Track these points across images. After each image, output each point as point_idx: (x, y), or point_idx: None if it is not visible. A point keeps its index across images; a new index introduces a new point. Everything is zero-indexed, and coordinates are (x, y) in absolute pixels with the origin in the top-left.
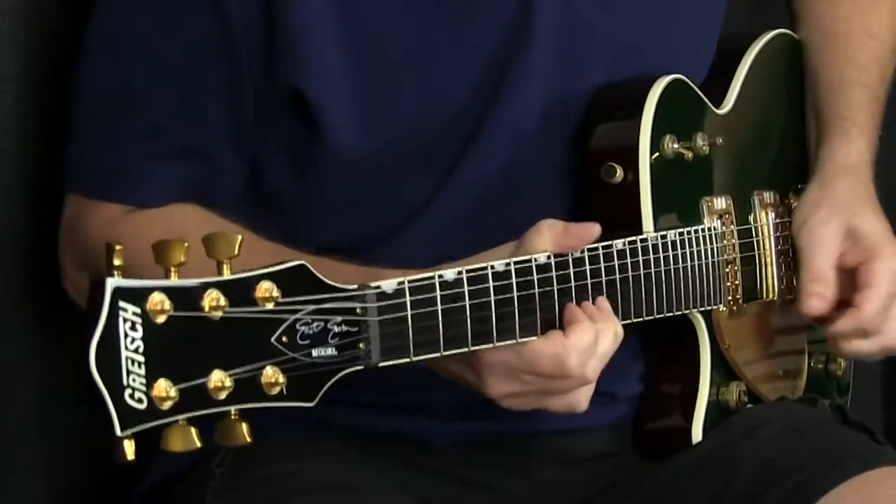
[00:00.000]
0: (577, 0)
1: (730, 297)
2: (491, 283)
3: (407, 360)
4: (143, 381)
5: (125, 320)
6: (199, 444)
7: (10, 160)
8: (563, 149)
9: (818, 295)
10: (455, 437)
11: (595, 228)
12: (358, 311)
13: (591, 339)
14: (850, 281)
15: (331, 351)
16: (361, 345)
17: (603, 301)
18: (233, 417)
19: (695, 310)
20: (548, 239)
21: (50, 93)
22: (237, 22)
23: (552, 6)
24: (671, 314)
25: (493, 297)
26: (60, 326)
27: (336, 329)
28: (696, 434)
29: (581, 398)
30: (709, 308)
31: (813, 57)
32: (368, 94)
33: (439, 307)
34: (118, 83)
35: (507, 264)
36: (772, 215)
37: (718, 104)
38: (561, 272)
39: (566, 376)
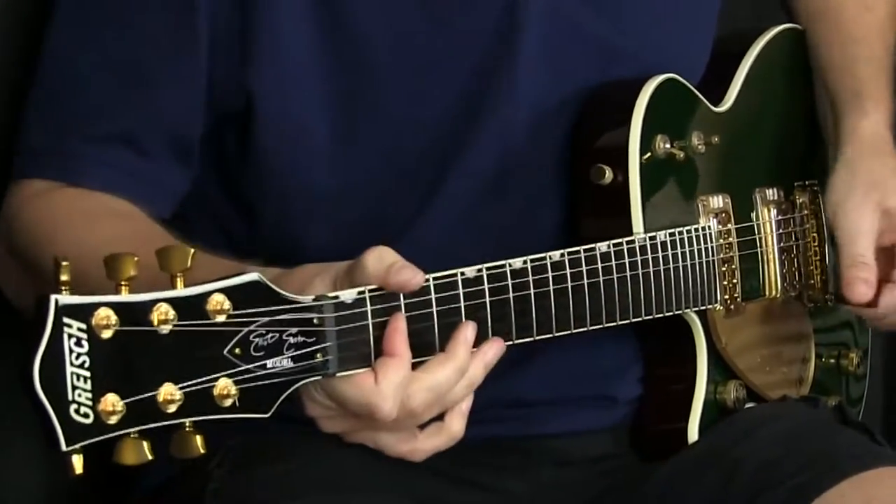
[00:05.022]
0: (564, 2)
1: (726, 297)
2: (461, 290)
3: (367, 368)
4: (90, 395)
5: (70, 336)
6: (150, 457)
7: (6, 160)
8: (553, 153)
9: (863, 281)
10: None
11: (418, 278)
12: (315, 321)
13: (404, 374)
14: (888, 260)
15: (287, 362)
16: (319, 355)
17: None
18: (187, 429)
19: (688, 310)
20: (368, 275)
21: None
22: (204, 18)
23: (539, 9)
24: (662, 315)
25: (462, 304)
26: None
27: (292, 340)
28: (693, 433)
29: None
30: (703, 308)
31: (813, 41)
32: (346, 104)
33: (403, 315)
34: (68, 67)
35: (479, 270)
36: (774, 212)
37: (718, 102)
38: (538, 276)
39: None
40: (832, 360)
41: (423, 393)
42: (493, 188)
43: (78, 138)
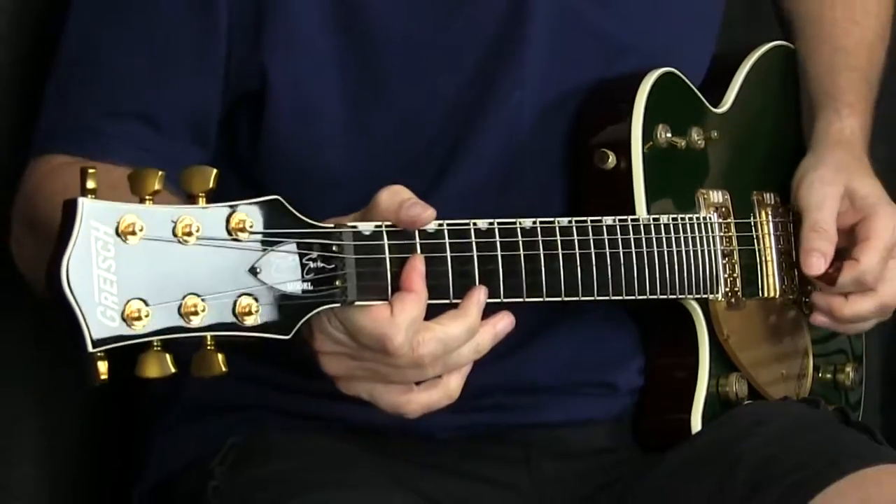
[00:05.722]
0: None
1: (727, 289)
2: (473, 240)
3: (385, 300)
4: (115, 299)
5: (97, 239)
6: (173, 370)
7: (6, 162)
8: (557, 143)
9: (819, 252)
10: (457, 430)
11: (428, 213)
12: (334, 248)
13: (419, 312)
14: (848, 240)
15: (307, 286)
16: (338, 282)
17: (476, 291)
18: (208, 347)
19: (689, 296)
20: (382, 210)
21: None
22: (223, 4)
23: (546, 1)
24: (664, 297)
25: (475, 253)
26: (59, 324)
27: (312, 264)
28: (696, 424)
29: (413, 400)
30: (704, 296)
31: (801, 47)
32: (358, 88)
33: (421, 256)
34: (89, 46)
35: (491, 223)
36: (771, 216)
37: (716, 105)
38: (547, 238)
39: (387, 354)
40: (829, 376)
41: (433, 343)
42: (498, 177)
43: (99, 114)
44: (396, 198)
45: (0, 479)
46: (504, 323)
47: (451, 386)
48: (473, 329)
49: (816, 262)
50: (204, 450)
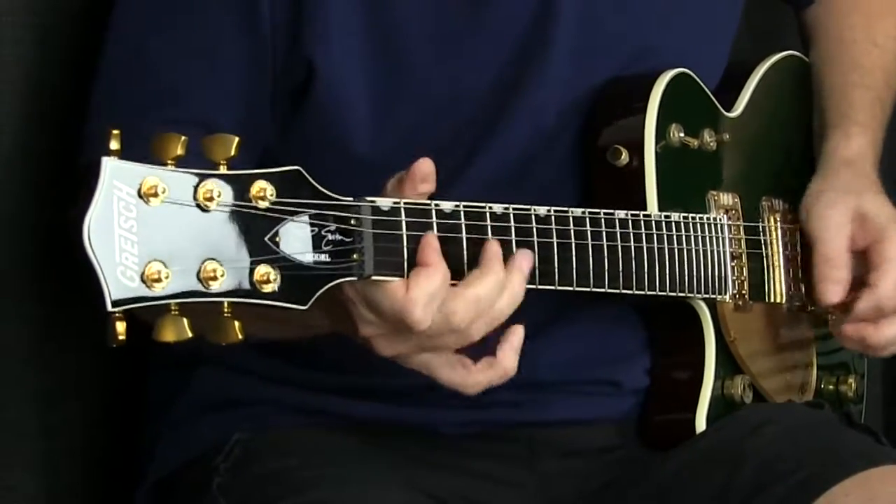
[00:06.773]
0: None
1: (735, 292)
2: (489, 223)
3: (401, 277)
4: (136, 260)
5: (119, 199)
6: (190, 334)
7: (9, 160)
8: (574, 142)
9: (834, 280)
10: (462, 427)
11: (423, 161)
12: (353, 221)
13: (438, 285)
14: (862, 263)
15: (324, 257)
16: (355, 255)
17: (490, 245)
18: (225, 314)
19: (697, 296)
20: (389, 191)
21: (49, 93)
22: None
23: (572, 2)
24: (674, 294)
25: (490, 236)
26: (60, 325)
27: (330, 236)
28: (700, 424)
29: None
30: (712, 297)
31: (818, 62)
32: (386, 81)
33: (435, 234)
34: (137, 53)
35: (506, 208)
36: (780, 222)
37: (728, 109)
38: (561, 227)
39: (411, 330)
40: (831, 387)
41: (464, 307)
42: (516, 173)
43: (156, 121)
44: (397, 174)
45: (1, 481)
46: (526, 261)
47: (506, 364)
48: (501, 282)
49: (833, 290)
50: (207, 446)
